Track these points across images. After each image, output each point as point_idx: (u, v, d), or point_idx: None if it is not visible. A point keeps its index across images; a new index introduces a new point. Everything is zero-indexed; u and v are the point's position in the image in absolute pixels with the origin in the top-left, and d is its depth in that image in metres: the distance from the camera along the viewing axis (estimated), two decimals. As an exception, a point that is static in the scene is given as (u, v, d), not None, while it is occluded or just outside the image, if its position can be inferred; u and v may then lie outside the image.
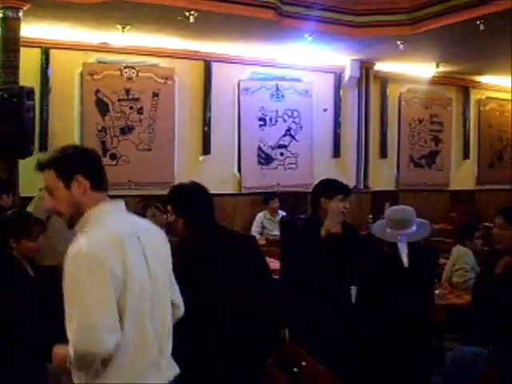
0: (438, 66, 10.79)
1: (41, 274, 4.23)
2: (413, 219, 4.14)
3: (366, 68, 10.89)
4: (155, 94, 9.50)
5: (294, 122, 10.67)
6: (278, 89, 10.52)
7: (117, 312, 2.21)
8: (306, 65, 10.57)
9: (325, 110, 10.90)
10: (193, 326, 2.86)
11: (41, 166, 2.45)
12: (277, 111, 10.53)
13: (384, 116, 11.54)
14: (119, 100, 9.28)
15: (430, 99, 12.12)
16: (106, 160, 9.06)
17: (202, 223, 3.38)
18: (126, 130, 9.34)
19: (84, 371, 2.25)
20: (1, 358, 3.88)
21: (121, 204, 2.48)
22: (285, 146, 10.61)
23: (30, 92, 7.15)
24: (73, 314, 2.19)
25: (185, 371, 2.51)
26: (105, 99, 9.19)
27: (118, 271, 2.22)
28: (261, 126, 10.39)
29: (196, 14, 7.39)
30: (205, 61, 9.85)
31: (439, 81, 11.84)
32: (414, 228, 4.10)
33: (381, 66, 11.01)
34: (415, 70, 11.24)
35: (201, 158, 9.95)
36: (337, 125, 11.01)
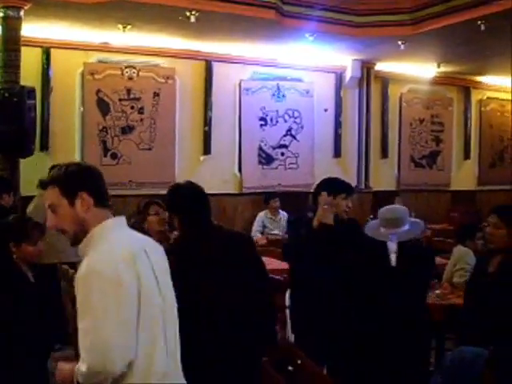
0: (439, 66, 10.80)
1: (41, 276, 4.24)
2: (405, 218, 4.15)
3: (367, 68, 10.89)
4: (156, 94, 9.51)
5: (294, 121, 10.67)
6: (278, 89, 10.52)
7: (132, 330, 2.21)
8: (307, 65, 10.57)
9: (325, 110, 10.90)
10: (189, 325, 2.86)
11: (44, 184, 2.44)
12: (278, 111, 10.53)
13: (385, 116, 11.54)
14: (120, 100, 9.28)
15: (431, 99, 12.12)
16: (106, 160, 9.08)
17: (197, 222, 3.38)
18: (126, 130, 9.34)
19: None
20: (1, 358, 3.88)
21: (123, 220, 2.48)
22: (286, 146, 10.61)
23: (31, 91, 7.16)
24: (87, 332, 2.19)
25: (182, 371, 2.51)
26: (106, 99, 9.19)
27: (133, 288, 2.23)
28: (262, 125, 10.39)
29: (197, 14, 7.39)
30: (206, 61, 9.85)
31: (440, 81, 11.84)
32: (406, 227, 4.11)
33: (382, 66, 11.01)
34: (416, 70, 11.25)
35: (201, 158, 9.96)
36: (338, 125, 11.02)
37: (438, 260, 6.96)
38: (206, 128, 9.91)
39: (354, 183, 10.39)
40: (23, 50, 7.22)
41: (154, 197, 7.21)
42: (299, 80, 10.74)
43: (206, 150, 9.93)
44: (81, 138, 9.07)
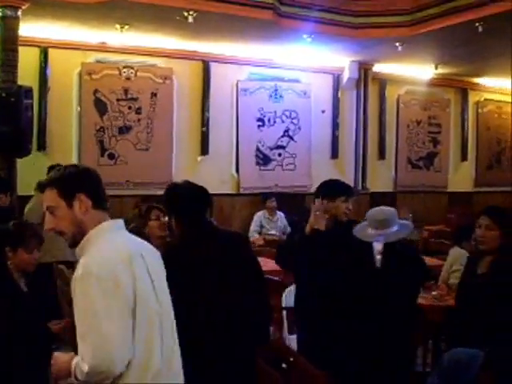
0: (436, 68, 10.81)
1: (35, 278, 4.24)
2: (393, 219, 4.13)
3: (364, 69, 10.90)
4: (153, 94, 9.50)
5: (292, 122, 10.68)
6: (276, 89, 10.53)
7: (130, 330, 2.23)
8: (304, 66, 10.58)
9: (323, 111, 10.91)
10: (187, 325, 2.86)
11: (42, 186, 2.46)
12: (275, 112, 10.53)
13: (382, 117, 11.54)
14: (118, 100, 9.28)
15: (429, 101, 12.14)
16: (104, 160, 9.08)
17: (195, 223, 3.38)
18: (124, 130, 9.34)
19: None
20: (1, 358, 3.89)
21: (120, 222, 2.49)
22: (283, 147, 10.62)
23: (29, 91, 7.15)
24: (87, 334, 2.20)
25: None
26: (103, 99, 9.18)
27: (129, 289, 2.25)
28: (259, 126, 10.39)
29: (195, 14, 7.39)
30: (203, 61, 9.85)
31: (438, 82, 11.86)
32: (394, 228, 4.09)
33: (379, 68, 11.02)
34: (414, 71, 11.26)
35: (199, 159, 9.95)
36: (335, 126, 11.03)
37: (435, 261, 6.99)
38: (204, 128, 9.91)
39: (351, 184, 10.35)
40: (21, 49, 7.21)
41: (151, 197, 7.26)
42: (297, 81, 10.75)
43: (204, 150, 9.93)
44: (78, 137, 9.06)
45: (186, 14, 7.37)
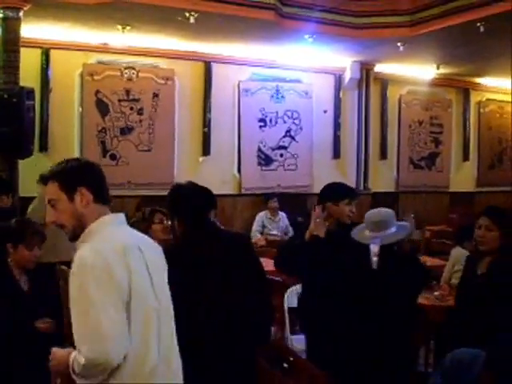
0: (438, 68, 10.80)
1: (37, 277, 4.25)
2: (391, 221, 4.09)
3: (366, 69, 10.89)
4: (155, 95, 9.51)
5: (293, 123, 10.68)
6: (278, 90, 10.53)
7: (126, 323, 2.23)
8: (306, 66, 10.58)
9: (325, 111, 10.91)
10: (189, 324, 2.87)
11: (44, 179, 2.46)
12: (277, 112, 10.53)
13: (384, 117, 11.54)
14: (119, 101, 9.28)
15: (430, 101, 12.13)
16: (105, 160, 9.08)
17: (196, 223, 3.39)
18: (125, 131, 9.34)
19: (88, 380, 2.25)
20: (1, 358, 3.89)
21: (121, 217, 2.49)
22: (285, 147, 10.62)
23: (30, 92, 7.16)
24: (83, 325, 2.20)
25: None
26: (105, 100, 9.19)
27: (124, 281, 2.24)
28: (261, 127, 10.39)
29: (196, 15, 7.39)
30: (205, 62, 9.86)
31: (439, 82, 11.84)
32: (392, 230, 4.06)
33: (381, 68, 11.02)
34: (415, 71, 11.25)
35: (201, 159, 9.96)
36: (337, 126, 11.02)
37: (437, 261, 6.99)
38: (206, 129, 9.91)
39: (352, 185, 10.36)
40: (22, 50, 7.21)
41: (152, 198, 7.26)
42: (298, 81, 10.75)
43: (205, 151, 9.93)
44: (80, 138, 9.07)
45: (187, 14, 7.37)
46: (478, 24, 7.52)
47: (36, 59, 8.63)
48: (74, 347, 2.25)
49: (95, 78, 9.12)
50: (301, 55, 10.00)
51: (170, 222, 3.68)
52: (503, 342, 2.91)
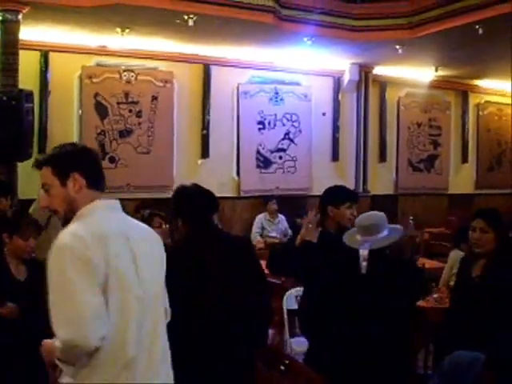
0: (436, 70, 10.81)
1: (34, 271, 4.25)
2: (382, 225, 4.00)
3: (364, 72, 10.90)
4: (154, 98, 9.51)
5: (292, 125, 10.68)
6: (276, 92, 10.54)
7: (104, 305, 2.19)
8: (305, 68, 10.59)
9: (323, 113, 10.92)
10: (189, 325, 2.88)
11: (38, 164, 2.45)
12: (276, 115, 10.54)
13: (383, 120, 11.54)
14: (118, 103, 9.29)
15: (429, 103, 12.14)
16: (104, 163, 9.04)
17: (200, 224, 3.40)
18: (124, 134, 9.34)
19: (70, 365, 2.23)
20: (1, 358, 3.90)
21: (115, 203, 2.45)
22: (284, 150, 10.62)
23: (29, 95, 7.16)
24: (59, 307, 2.17)
25: (178, 370, 2.51)
26: (104, 102, 9.19)
27: (100, 267, 2.20)
28: (260, 129, 10.40)
29: (195, 18, 7.40)
30: (204, 64, 9.86)
31: (438, 85, 11.86)
32: (383, 233, 3.96)
33: (380, 70, 11.02)
34: (414, 73, 11.26)
35: (200, 162, 9.96)
36: (335, 128, 11.03)
37: (436, 264, 7.00)
38: (204, 131, 9.92)
39: (351, 187, 10.38)
40: (21, 53, 7.22)
41: (151, 200, 7.26)
42: (297, 84, 10.75)
43: (204, 153, 9.93)
44: (79, 141, 9.00)
45: (186, 17, 7.37)
46: (477, 26, 7.53)
47: (35, 62, 8.63)
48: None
49: (94, 80, 9.12)
50: (300, 58, 10.01)
51: (168, 226, 3.68)
52: (503, 342, 2.92)
